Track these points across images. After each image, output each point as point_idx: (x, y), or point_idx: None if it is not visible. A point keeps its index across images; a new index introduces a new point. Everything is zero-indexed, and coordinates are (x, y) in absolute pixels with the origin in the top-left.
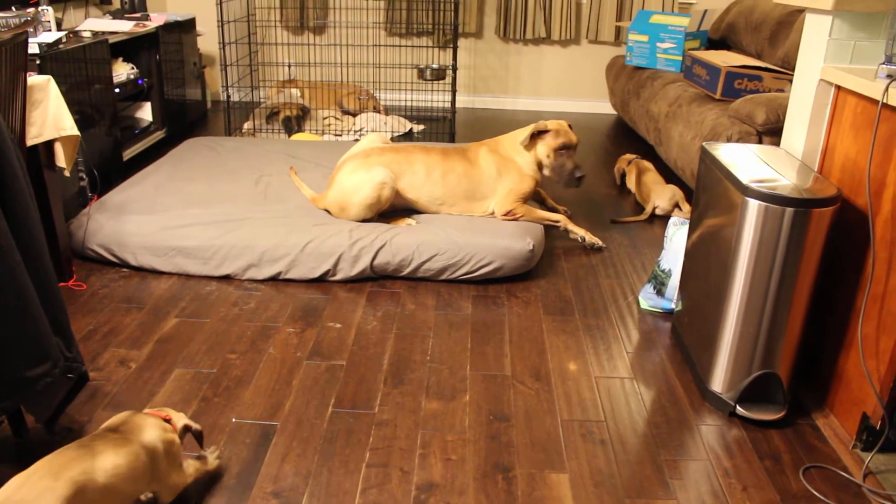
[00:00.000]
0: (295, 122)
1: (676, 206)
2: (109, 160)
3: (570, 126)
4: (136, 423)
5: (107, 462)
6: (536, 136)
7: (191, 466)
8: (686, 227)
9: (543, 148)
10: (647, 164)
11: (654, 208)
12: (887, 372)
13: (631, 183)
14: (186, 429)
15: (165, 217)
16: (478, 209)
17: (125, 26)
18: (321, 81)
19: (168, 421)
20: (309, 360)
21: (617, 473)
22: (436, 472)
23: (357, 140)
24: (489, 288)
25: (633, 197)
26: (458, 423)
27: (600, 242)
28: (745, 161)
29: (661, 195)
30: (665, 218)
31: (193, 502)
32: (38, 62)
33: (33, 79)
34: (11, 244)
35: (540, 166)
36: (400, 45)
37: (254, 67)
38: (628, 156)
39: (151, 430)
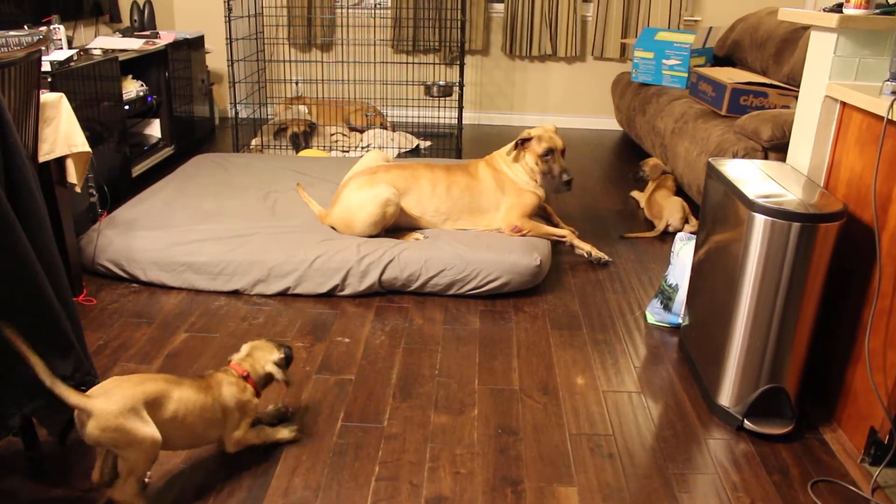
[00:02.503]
0: (302, 138)
1: (685, 221)
2: (119, 176)
3: (555, 130)
4: (219, 379)
5: (184, 393)
6: (522, 145)
7: (263, 431)
8: (693, 242)
9: (530, 156)
10: (670, 184)
11: (667, 226)
12: (895, 386)
13: (643, 195)
14: (269, 379)
15: (174, 233)
16: (481, 223)
17: (135, 44)
18: (328, 98)
19: (247, 377)
20: (318, 374)
21: (625, 487)
22: (445, 486)
23: (361, 157)
24: (497, 303)
25: (641, 212)
26: (467, 436)
27: (606, 257)
28: (751, 177)
29: (673, 213)
30: (672, 233)
31: None
32: (49, 80)
33: (45, 96)
34: (30, 253)
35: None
36: (407, 62)
37: (262, 84)
38: (660, 164)
39: (228, 387)
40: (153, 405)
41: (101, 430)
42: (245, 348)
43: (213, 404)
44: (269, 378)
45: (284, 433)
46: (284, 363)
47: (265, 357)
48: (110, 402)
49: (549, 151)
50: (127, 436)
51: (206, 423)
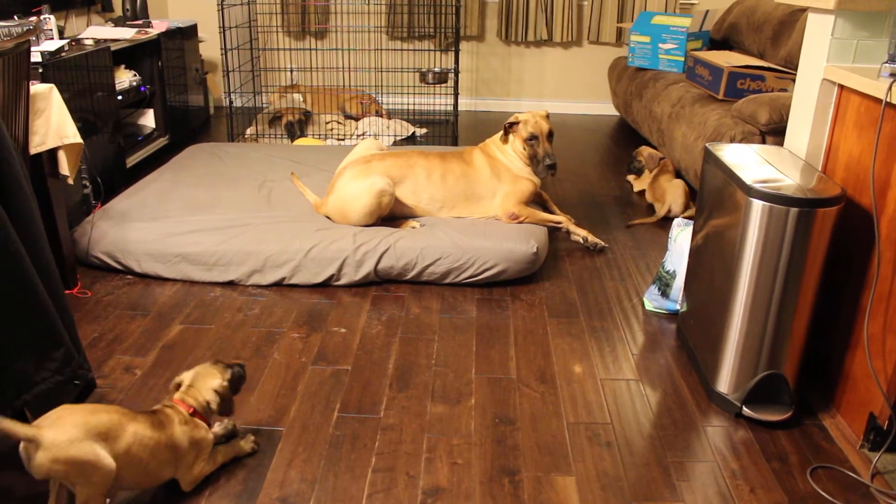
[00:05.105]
0: (297, 126)
1: (687, 206)
2: (113, 167)
3: (546, 115)
4: (169, 415)
5: (139, 428)
6: (509, 129)
7: (217, 455)
8: (690, 228)
9: (517, 141)
10: (671, 167)
11: (669, 210)
12: (894, 372)
13: (644, 182)
14: (209, 406)
15: (169, 224)
16: (477, 210)
17: (127, 34)
18: (323, 86)
19: (194, 412)
20: (314, 365)
21: (623, 476)
22: (442, 477)
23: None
24: (493, 291)
25: (636, 197)
26: (464, 426)
27: (603, 243)
28: (748, 161)
29: (676, 198)
30: (670, 219)
31: None
32: (40, 71)
33: (36, 87)
34: (20, 249)
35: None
36: (402, 49)
37: (256, 73)
38: (655, 152)
39: (180, 426)
40: (106, 437)
41: (52, 461)
42: (188, 378)
43: (166, 442)
44: (208, 408)
45: (242, 446)
46: (231, 387)
47: (206, 385)
48: (61, 432)
49: (534, 137)
50: (79, 468)
51: (160, 462)
